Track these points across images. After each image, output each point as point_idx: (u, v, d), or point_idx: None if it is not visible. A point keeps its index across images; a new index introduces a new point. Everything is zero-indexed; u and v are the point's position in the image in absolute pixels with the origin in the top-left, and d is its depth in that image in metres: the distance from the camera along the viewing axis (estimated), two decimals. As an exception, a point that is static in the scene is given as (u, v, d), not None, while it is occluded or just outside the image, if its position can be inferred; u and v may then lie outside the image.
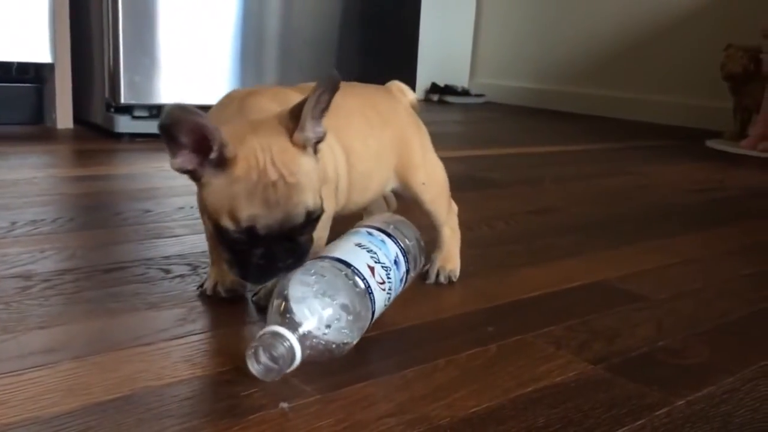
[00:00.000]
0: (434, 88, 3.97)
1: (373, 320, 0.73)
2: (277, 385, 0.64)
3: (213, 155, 0.67)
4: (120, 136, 1.99)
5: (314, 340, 0.65)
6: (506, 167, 1.98)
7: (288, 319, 0.65)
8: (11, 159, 1.64)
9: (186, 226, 1.16)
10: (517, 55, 4.01)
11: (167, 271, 0.93)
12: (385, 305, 0.76)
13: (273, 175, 0.68)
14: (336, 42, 2.30)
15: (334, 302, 0.67)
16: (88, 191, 1.39)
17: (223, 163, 0.67)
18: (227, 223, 0.68)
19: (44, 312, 0.78)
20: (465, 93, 4.00)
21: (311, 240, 0.74)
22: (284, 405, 0.61)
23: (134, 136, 2.00)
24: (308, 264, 0.71)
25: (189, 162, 0.69)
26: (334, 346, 0.66)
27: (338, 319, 0.66)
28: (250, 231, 0.68)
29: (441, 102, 3.91)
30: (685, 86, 3.28)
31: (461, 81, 4.14)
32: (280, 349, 0.62)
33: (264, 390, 0.64)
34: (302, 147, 0.70)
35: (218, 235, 0.70)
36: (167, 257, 0.99)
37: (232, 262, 0.71)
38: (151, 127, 2.02)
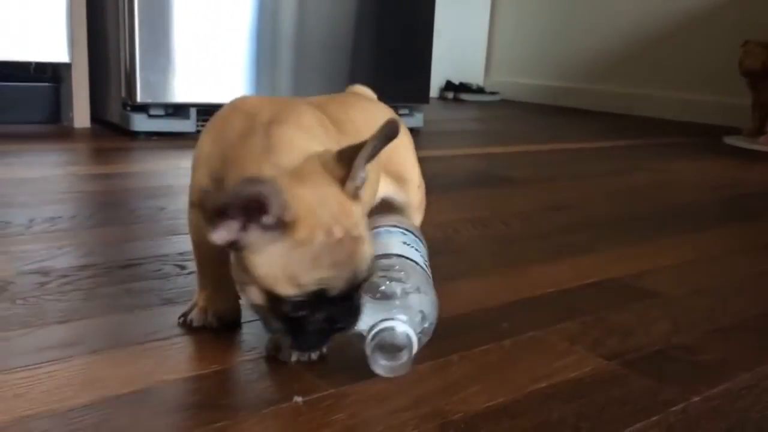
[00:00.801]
0: (449, 86, 3.96)
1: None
2: (291, 380, 0.65)
3: (269, 220, 0.57)
4: (136, 135, 2.00)
5: (419, 333, 0.67)
6: (521, 165, 1.97)
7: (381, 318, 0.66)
8: (29, 157, 1.66)
9: (201, 223, 1.16)
10: (531, 53, 3.99)
11: (182, 267, 0.94)
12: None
13: (338, 233, 0.60)
14: (351, 42, 2.30)
15: (427, 297, 0.69)
16: (105, 189, 1.40)
17: (280, 227, 0.58)
18: (286, 290, 0.59)
19: (62, 307, 0.78)
20: (480, 91, 3.99)
21: (362, 297, 0.66)
22: (298, 399, 0.61)
23: (150, 135, 2.01)
24: (383, 260, 0.71)
25: (232, 232, 0.58)
26: (425, 340, 0.69)
27: (432, 316, 0.69)
28: (317, 295, 0.60)
29: (456, 100, 3.91)
30: (702, 83, 3.25)
31: (476, 79, 4.13)
32: (401, 338, 0.64)
33: (278, 384, 0.64)
34: (352, 196, 0.63)
35: (269, 304, 0.61)
36: (182, 254, 0.99)
37: (284, 330, 0.62)
38: (167, 125, 2.04)
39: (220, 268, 0.73)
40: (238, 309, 0.77)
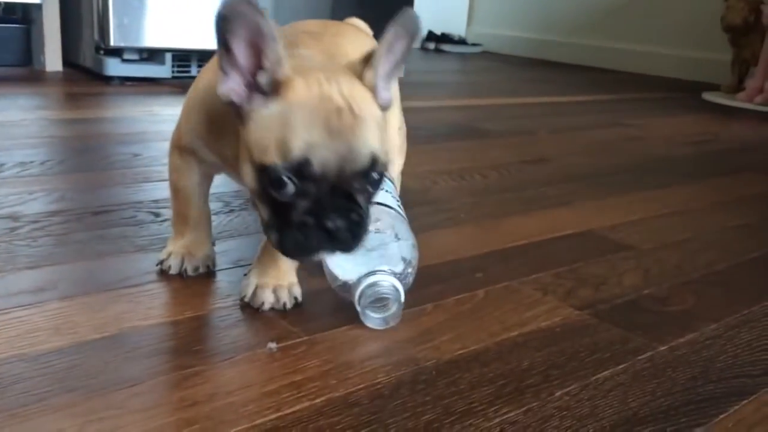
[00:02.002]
0: (431, 36, 3.91)
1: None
2: (265, 327, 0.65)
3: (264, 77, 0.55)
4: (110, 79, 1.96)
5: (402, 280, 0.67)
6: (501, 117, 1.96)
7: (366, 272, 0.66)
8: (-1, 101, 1.62)
9: (176, 170, 1.15)
10: (514, 5, 3.94)
11: (156, 215, 0.93)
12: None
13: (339, 102, 0.55)
14: (330, -14, 2.25)
15: (406, 242, 0.70)
16: (78, 134, 1.37)
17: (275, 87, 0.55)
18: (274, 158, 0.54)
19: (33, 252, 0.78)
20: (462, 42, 3.94)
21: (369, 214, 0.59)
22: (272, 345, 0.62)
23: (124, 80, 1.97)
24: None
25: (237, 85, 0.56)
26: (411, 280, 0.70)
27: (413, 257, 0.70)
28: (303, 167, 0.54)
29: (437, 51, 3.86)
30: (683, 38, 3.24)
31: (458, 30, 4.07)
32: (387, 290, 0.65)
33: (252, 331, 0.64)
34: (372, 90, 0.59)
35: (258, 180, 0.56)
36: (156, 201, 0.98)
37: (270, 222, 0.57)
38: (142, 70, 1.99)
39: (198, 211, 0.74)
40: (212, 257, 0.77)
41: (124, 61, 1.96)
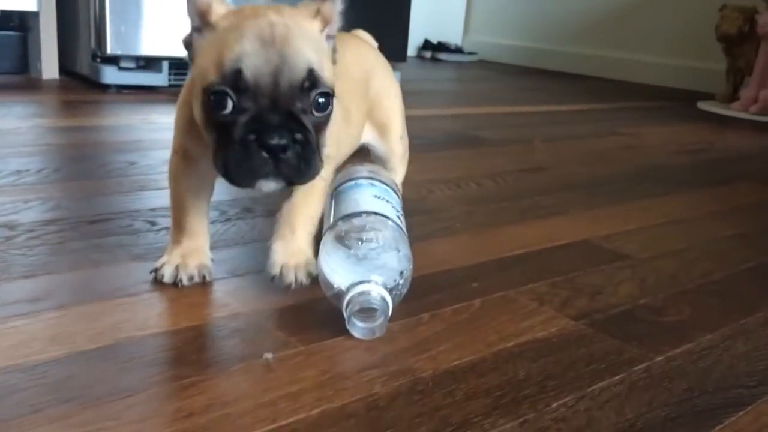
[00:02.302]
0: (427, 45, 3.92)
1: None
2: (261, 337, 0.65)
3: (195, 20, 0.60)
4: (106, 87, 1.96)
5: (394, 291, 0.67)
6: (497, 126, 1.97)
7: (358, 280, 0.66)
8: (-5, 109, 1.62)
9: (172, 178, 1.15)
10: (510, 14, 3.96)
11: (153, 223, 0.93)
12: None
13: (273, 18, 0.57)
14: (327, -5, 2.25)
15: (400, 253, 0.69)
16: (74, 142, 1.37)
17: (203, 14, 0.60)
18: (212, 77, 0.56)
19: (28, 262, 0.77)
20: (458, 50, 3.95)
21: (316, 141, 0.59)
22: (268, 356, 0.61)
23: (121, 88, 1.97)
24: (354, 220, 0.70)
25: (188, 37, 0.62)
26: (405, 291, 0.69)
27: (407, 269, 0.69)
28: (236, 78, 0.54)
29: (433, 59, 3.87)
30: (678, 47, 3.25)
31: (454, 38, 4.09)
32: (376, 301, 0.64)
33: (248, 341, 0.64)
34: (325, 22, 0.62)
35: (204, 110, 0.58)
36: (153, 209, 0.98)
37: (216, 151, 0.58)
38: (138, 78, 1.99)
39: (195, 219, 0.74)
40: (209, 266, 0.76)
41: (121, 69, 1.96)
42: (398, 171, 0.94)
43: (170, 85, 2.06)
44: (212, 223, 0.94)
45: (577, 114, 2.33)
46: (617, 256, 0.96)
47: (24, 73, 2.12)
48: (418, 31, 3.72)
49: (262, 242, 0.89)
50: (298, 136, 0.56)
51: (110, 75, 1.95)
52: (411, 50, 3.74)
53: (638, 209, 1.21)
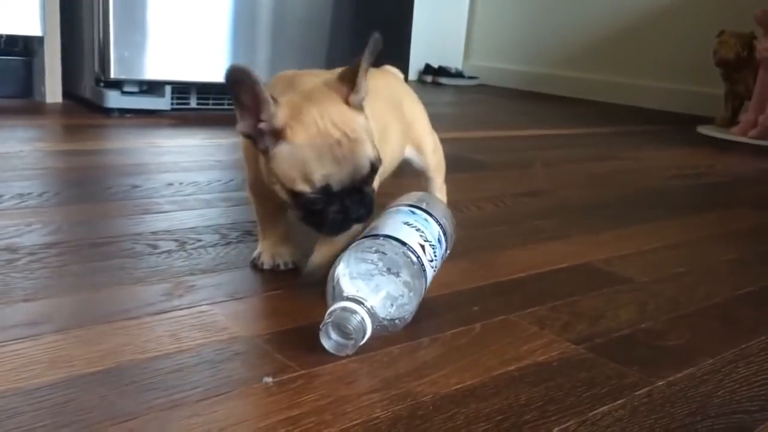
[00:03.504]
0: (428, 69, 3.95)
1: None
2: (261, 360, 0.65)
3: (264, 125, 0.73)
4: (110, 112, 1.97)
5: (380, 316, 0.67)
6: (497, 150, 1.98)
7: (352, 296, 0.67)
8: (-1, 132, 1.63)
9: (174, 202, 1.15)
10: (510, 38, 3.99)
11: (154, 247, 0.93)
12: (429, 282, 0.79)
13: (336, 134, 0.73)
14: (329, 20, 2.28)
15: (398, 279, 0.70)
16: (76, 166, 1.38)
17: (277, 132, 0.73)
18: (302, 187, 0.74)
19: (29, 285, 0.77)
20: (458, 75, 3.98)
21: (374, 191, 0.79)
22: (268, 380, 0.61)
23: (124, 112, 1.98)
24: (365, 241, 0.73)
25: (249, 127, 0.74)
26: (397, 321, 0.70)
27: (402, 296, 0.69)
28: (326, 190, 0.74)
29: (434, 83, 3.90)
30: (677, 72, 3.28)
31: (455, 63, 4.12)
32: (353, 323, 0.65)
33: (248, 365, 0.64)
34: (357, 108, 0.77)
35: (294, 200, 0.76)
36: (155, 233, 0.99)
37: (309, 222, 0.78)
38: (141, 102, 2.01)
39: (277, 221, 0.90)
40: (296, 254, 0.90)
41: (124, 93, 1.98)
42: (436, 179, 1.11)
43: (173, 109, 2.07)
44: (213, 246, 0.95)
45: (576, 138, 2.34)
46: (617, 279, 0.96)
47: (28, 97, 2.13)
48: (419, 56, 3.75)
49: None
50: (366, 201, 0.77)
51: (113, 99, 1.96)
52: (412, 74, 3.77)
53: (638, 233, 1.21)
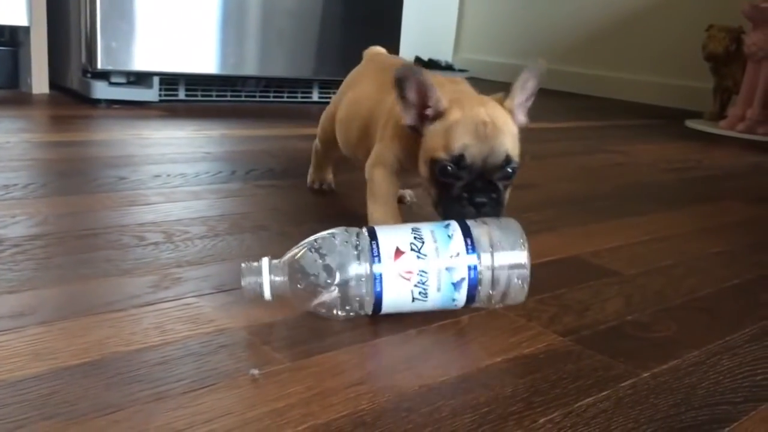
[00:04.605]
0: (418, 62, 3.94)
1: (384, 310, 0.71)
2: (247, 352, 0.65)
3: (431, 111, 0.83)
4: (97, 102, 1.96)
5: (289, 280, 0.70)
6: (486, 142, 1.97)
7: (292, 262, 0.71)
8: (-16, 123, 1.61)
9: (161, 194, 1.15)
10: (501, 31, 3.99)
11: (141, 239, 0.92)
12: (414, 301, 0.71)
13: (485, 117, 0.81)
14: (319, 12, 2.27)
15: (318, 261, 0.69)
16: (63, 157, 1.37)
17: (439, 114, 0.82)
18: (441, 154, 0.81)
19: (13, 277, 0.77)
20: (449, 68, 3.98)
21: (504, 197, 0.83)
22: (254, 372, 0.61)
23: (111, 103, 1.97)
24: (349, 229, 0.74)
25: (413, 119, 0.84)
26: (303, 291, 0.70)
27: (315, 276, 0.69)
28: (460, 159, 0.80)
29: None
30: (666, 66, 3.29)
31: (445, 56, 4.12)
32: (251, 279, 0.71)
33: (235, 357, 0.64)
34: (510, 113, 0.85)
35: (430, 170, 0.83)
36: (141, 224, 0.98)
37: (437, 199, 0.84)
38: (129, 93, 2.00)
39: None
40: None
41: (112, 84, 1.96)
42: None
43: (161, 101, 2.06)
44: (200, 238, 0.94)
45: (565, 131, 2.35)
46: (604, 272, 0.96)
47: (14, 88, 2.12)
48: (409, 48, 3.74)
49: (250, 258, 0.89)
50: (494, 195, 0.81)
51: (101, 90, 1.95)
52: (402, 67, 3.76)
53: (626, 226, 1.22)
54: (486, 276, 0.72)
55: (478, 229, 0.74)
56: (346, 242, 0.71)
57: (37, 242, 0.88)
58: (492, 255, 0.72)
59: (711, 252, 1.11)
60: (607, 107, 3.12)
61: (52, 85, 2.11)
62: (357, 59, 1.23)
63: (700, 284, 0.95)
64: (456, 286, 0.71)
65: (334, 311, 0.71)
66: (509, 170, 0.82)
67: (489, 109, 0.83)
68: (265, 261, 0.71)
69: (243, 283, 0.71)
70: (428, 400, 0.59)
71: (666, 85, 3.29)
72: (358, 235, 0.72)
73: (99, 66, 1.91)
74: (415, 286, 0.71)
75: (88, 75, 1.97)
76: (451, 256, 0.71)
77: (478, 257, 0.72)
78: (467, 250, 0.72)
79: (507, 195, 0.85)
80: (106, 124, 1.75)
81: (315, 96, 2.39)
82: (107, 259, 0.84)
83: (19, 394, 0.55)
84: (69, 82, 2.09)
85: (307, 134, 1.83)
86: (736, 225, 1.32)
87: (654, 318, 0.82)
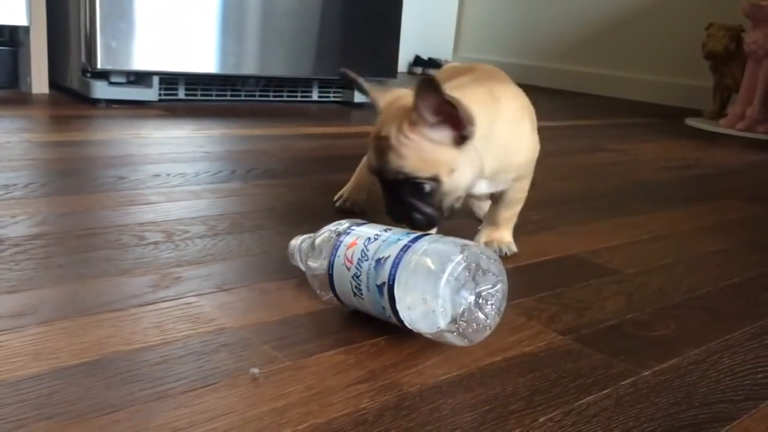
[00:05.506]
0: (418, 61, 3.94)
1: (338, 293, 0.72)
2: (248, 352, 0.65)
3: (468, 132, 0.83)
4: (96, 102, 1.96)
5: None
6: (486, 141, 1.97)
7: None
8: (-16, 123, 1.61)
9: (161, 193, 1.15)
10: (500, 30, 3.99)
11: (141, 238, 0.92)
12: (355, 296, 0.70)
13: (385, 132, 0.82)
14: (318, 11, 2.27)
15: (308, 238, 0.78)
16: (62, 157, 1.37)
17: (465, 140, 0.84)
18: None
19: (14, 276, 0.77)
20: (448, 67, 3.98)
21: (433, 210, 0.83)
22: (255, 371, 0.61)
23: (111, 103, 1.97)
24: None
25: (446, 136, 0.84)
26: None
27: (310, 256, 0.76)
28: (371, 170, 0.85)
29: (424, 75, 3.90)
30: (666, 64, 3.29)
31: (445, 54, 4.12)
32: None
33: (235, 356, 0.64)
34: (410, 123, 0.81)
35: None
36: (141, 224, 0.98)
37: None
38: (129, 93, 2.00)
39: (364, 181, 1.15)
40: (362, 202, 1.15)
41: (111, 84, 1.96)
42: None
43: (160, 100, 2.06)
44: (200, 237, 0.94)
45: (565, 130, 2.35)
46: (604, 271, 0.96)
47: (14, 87, 2.12)
48: (408, 48, 3.75)
49: (250, 257, 0.89)
50: (404, 207, 0.84)
51: (100, 90, 1.95)
52: (402, 66, 3.77)
53: (626, 225, 1.22)
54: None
55: (413, 255, 0.66)
56: (334, 229, 0.76)
57: (37, 242, 0.88)
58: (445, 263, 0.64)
59: (711, 250, 1.11)
60: (607, 106, 3.12)
61: (52, 84, 2.11)
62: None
63: (699, 283, 0.95)
64: (380, 289, 0.67)
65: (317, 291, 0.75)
66: (412, 185, 0.81)
67: (406, 124, 0.81)
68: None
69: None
70: (429, 399, 0.59)
71: (666, 83, 3.29)
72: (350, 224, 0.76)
73: (99, 66, 1.91)
74: (353, 278, 0.69)
75: (88, 75, 1.97)
76: (380, 259, 0.67)
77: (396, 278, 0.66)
78: (394, 260, 0.66)
79: (447, 206, 0.84)
80: (105, 124, 1.75)
81: (315, 95, 2.39)
82: (107, 259, 0.84)
83: (18, 393, 0.55)
84: (69, 81, 2.09)
85: (307, 134, 1.83)
86: (736, 223, 1.32)
87: (654, 316, 0.82)
